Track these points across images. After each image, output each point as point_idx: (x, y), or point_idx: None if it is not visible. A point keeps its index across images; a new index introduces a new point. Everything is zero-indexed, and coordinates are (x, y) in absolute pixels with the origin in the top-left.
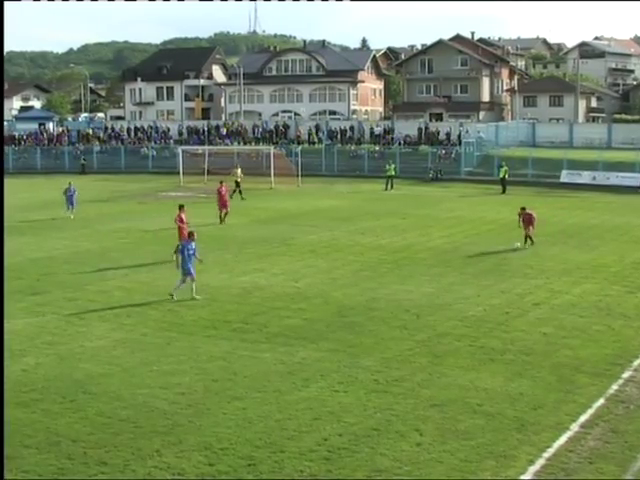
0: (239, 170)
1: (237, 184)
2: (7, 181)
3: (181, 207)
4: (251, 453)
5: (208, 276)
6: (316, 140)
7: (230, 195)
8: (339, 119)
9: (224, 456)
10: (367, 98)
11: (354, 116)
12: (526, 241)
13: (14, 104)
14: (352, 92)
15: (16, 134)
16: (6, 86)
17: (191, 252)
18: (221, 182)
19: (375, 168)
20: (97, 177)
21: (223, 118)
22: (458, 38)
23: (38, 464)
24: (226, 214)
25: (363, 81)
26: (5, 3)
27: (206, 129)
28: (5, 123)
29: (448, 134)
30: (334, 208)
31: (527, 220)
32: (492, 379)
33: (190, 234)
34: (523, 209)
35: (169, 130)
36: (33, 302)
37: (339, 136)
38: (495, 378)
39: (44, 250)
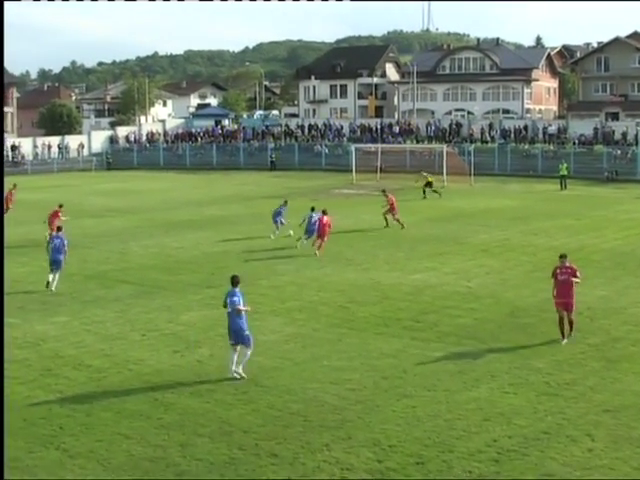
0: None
1: (428, 184)
2: (184, 176)
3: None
4: (420, 452)
5: (380, 273)
6: (489, 139)
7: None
8: (512, 118)
9: (392, 453)
10: (541, 97)
11: (528, 115)
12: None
13: (192, 101)
14: (526, 91)
15: (193, 130)
16: (184, 84)
17: None
18: (383, 191)
19: (549, 168)
20: (271, 174)
21: (396, 116)
22: (636, 35)
23: (210, 452)
24: (397, 219)
25: (537, 79)
26: (184, 3)
27: (379, 127)
28: (183, 120)
29: (624, 134)
30: (507, 208)
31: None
32: None
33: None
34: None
35: (342, 128)
36: (208, 295)
37: (512, 135)
38: None
39: (219, 245)
